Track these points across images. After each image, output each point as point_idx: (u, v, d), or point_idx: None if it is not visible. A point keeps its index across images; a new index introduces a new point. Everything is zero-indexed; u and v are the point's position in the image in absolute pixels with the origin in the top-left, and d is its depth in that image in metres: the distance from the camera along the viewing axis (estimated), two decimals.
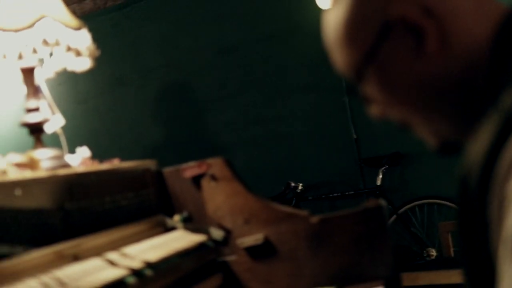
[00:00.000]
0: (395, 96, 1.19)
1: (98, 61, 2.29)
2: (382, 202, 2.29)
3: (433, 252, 5.60)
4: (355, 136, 6.04)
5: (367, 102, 1.27)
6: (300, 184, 6.06)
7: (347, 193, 5.92)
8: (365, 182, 6.02)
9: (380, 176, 5.87)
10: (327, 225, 2.31)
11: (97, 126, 6.74)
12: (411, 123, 1.23)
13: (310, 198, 6.06)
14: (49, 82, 6.31)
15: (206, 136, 6.46)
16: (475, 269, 1.03)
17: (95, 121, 6.76)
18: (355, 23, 1.18)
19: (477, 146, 1.00)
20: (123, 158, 2.59)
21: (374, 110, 1.26)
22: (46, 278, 1.61)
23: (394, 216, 5.81)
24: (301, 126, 6.20)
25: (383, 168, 5.86)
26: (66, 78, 6.69)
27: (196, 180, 2.45)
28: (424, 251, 5.63)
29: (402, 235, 5.81)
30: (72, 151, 2.42)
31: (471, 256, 1.03)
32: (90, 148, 2.77)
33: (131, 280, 1.83)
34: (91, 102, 6.81)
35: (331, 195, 5.98)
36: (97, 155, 2.47)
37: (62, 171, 2.03)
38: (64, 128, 6.61)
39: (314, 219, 2.32)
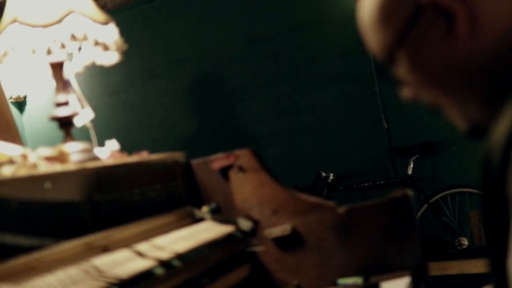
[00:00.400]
0: (426, 79, 1.20)
1: (129, 53, 2.32)
2: (409, 191, 2.29)
3: (465, 242, 5.58)
4: (386, 126, 6.02)
5: (398, 84, 1.28)
6: (331, 174, 6.06)
7: (378, 182, 5.91)
8: (396, 172, 6.01)
9: (411, 166, 5.85)
10: (354, 216, 2.32)
11: (129, 118, 6.79)
12: (441, 106, 1.25)
13: (341, 188, 6.06)
14: (81, 75, 6.38)
15: (237, 127, 6.48)
16: (497, 248, 1.04)
17: (127, 113, 6.82)
18: (388, 6, 1.20)
19: (500, 128, 1.01)
20: (155, 149, 2.62)
21: (406, 93, 1.28)
22: (77, 268, 1.64)
23: (426, 206, 5.79)
24: (332, 116, 6.20)
25: (414, 158, 5.84)
26: (98, 71, 6.75)
27: (224, 172, 2.47)
28: (456, 241, 5.61)
29: (434, 224, 5.79)
30: (103, 143, 2.46)
31: (493, 236, 1.05)
32: (122, 140, 2.81)
33: (160, 271, 1.86)
34: (123, 95, 6.86)
35: (362, 185, 5.98)
36: (129, 147, 2.50)
37: (91, 164, 2.06)
38: (96, 120, 6.67)
39: (341, 209, 2.33)
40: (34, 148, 2.08)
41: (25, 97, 6.76)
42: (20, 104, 6.91)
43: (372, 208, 2.30)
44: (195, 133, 6.52)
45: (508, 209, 0.98)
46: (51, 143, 2.39)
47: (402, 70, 1.23)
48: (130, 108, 6.82)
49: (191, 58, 6.65)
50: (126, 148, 2.47)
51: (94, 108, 6.60)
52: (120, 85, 6.86)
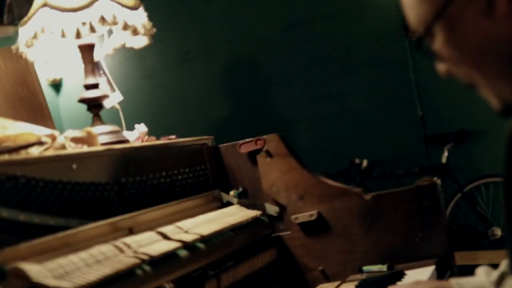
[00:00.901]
0: (461, 55, 1.21)
1: (165, 37, 2.34)
2: (436, 179, 2.28)
3: (498, 232, 5.52)
4: (420, 113, 5.98)
5: (434, 59, 1.28)
6: (365, 161, 6.04)
7: (411, 170, 5.87)
8: (431, 160, 5.96)
9: (446, 154, 5.80)
10: (380, 202, 2.31)
11: (163, 101, 6.82)
12: (475, 83, 1.25)
13: (375, 175, 6.04)
14: (116, 58, 6.42)
15: (271, 112, 6.48)
16: None
17: (162, 96, 6.84)
18: None
19: None
20: (189, 133, 2.63)
21: (440, 68, 1.28)
22: (106, 245, 1.67)
23: (459, 195, 5.74)
24: (367, 103, 6.16)
25: (448, 146, 5.79)
26: (134, 54, 6.78)
27: (252, 156, 2.48)
28: (489, 231, 5.56)
29: (467, 214, 5.74)
30: (153, 133, 2.47)
31: None
32: (156, 124, 2.83)
33: (184, 253, 1.88)
34: (158, 78, 6.89)
35: (395, 173, 5.94)
36: (163, 131, 2.52)
37: (118, 146, 2.08)
38: (131, 104, 6.70)
39: (368, 196, 2.33)
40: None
41: (61, 79, 6.82)
42: (57, 86, 6.98)
43: (398, 195, 2.29)
44: (229, 117, 6.54)
45: None
46: (86, 125, 2.41)
47: (438, 44, 1.23)
48: (164, 91, 6.84)
49: (226, 42, 6.65)
50: (160, 131, 2.49)
51: (129, 91, 6.66)
52: (155, 68, 6.89)
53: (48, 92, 6.68)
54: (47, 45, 2.28)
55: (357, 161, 6.04)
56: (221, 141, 2.54)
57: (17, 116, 2.44)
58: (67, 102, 7.65)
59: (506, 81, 1.18)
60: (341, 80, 6.23)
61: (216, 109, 6.64)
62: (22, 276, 1.39)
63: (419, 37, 1.25)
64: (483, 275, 1.74)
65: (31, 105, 2.64)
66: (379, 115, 6.11)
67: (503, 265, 1.70)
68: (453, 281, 1.75)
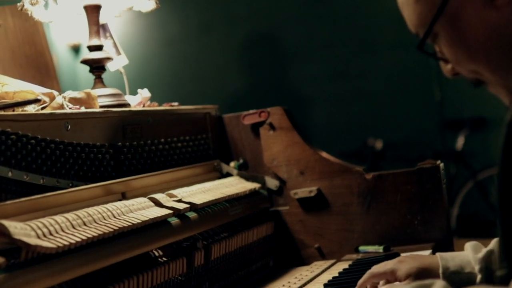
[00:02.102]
0: (467, 51, 1.19)
1: (187, 5, 2.30)
2: (439, 163, 2.24)
3: None
4: (439, 98, 5.92)
5: (439, 60, 1.27)
6: (379, 142, 6.00)
7: (425, 155, 5.82)
8: (446, 145, 5.91)
9: (462, 140, 5.74)
10: (381, 183, 2.28)
11: (182, 71, 6.80)
12: (483, 80, 1.23)
13: (388, 157, 5.99)
14: (137, 23, 6.38)
15: (288, 88, 6.44)
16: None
17: (181, 65, 6.82)
18: None
19: None
20: (205, 104, 2.59)
21: (446, 70, 1.28)
22: (92, 209, 1.64)
23: (472, 183, 5.68)
24: (385, 84, 6.11)
25: (465, 132, 5.73)
26: (155, 21, 6.75)
27: (255, 128, 2.45)
28: None
29: (478, 203, 5.69)
30: (155, 96, 2.44)
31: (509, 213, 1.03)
32: (174, 92, 2.80)
33: (175, 221, 1.86)
34: (178, 46, 6.86)
35: (409, 156, 5.89)
36: (179, 100, 2.48)
37: (117, 109, 2.06)
38: (149, 70, 6.69)
39: (368, 175, 2.30)
40: None
41: (80, 44, 6.82)
42: (76, 50, 6.98)
43: (400, 177, 2.26)
44: (246, 90, 6.51)
45: None
46: None
47: (442, 44, 1.22)
48: (183, 60, 6.82)
49: (248, 15, 6.60)
50: (177, 100, 2.45)
51: (149, 58, 6.64)
52: (175, 36, 6.86)
53: (67, 56, 6.69)
54: (57, 6, 2.25)
55: (371, 141, 6.00)
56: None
57: (22, 74, 2.42)
58: (85, 66, 7.64)
59: None
60: (360, 60, 6.18)
61: (233, 81, 6.62)
62: (3, 232, 1.37)
63: (421, 39, 1.23)
64: (471, 250, 1.71)
65: (38, 65, 2.62)
66: (397, 97, 6.06)
67: (493, 243, 1.67)
68: (438, 256, 1.73)
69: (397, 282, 1.73)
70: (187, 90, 6.62)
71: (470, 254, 1.70)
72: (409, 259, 1.77)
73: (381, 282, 1.77)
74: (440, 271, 1.70)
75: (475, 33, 1.16)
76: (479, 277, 1.66)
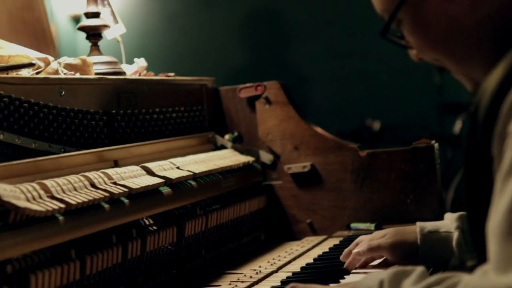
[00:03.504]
0: (428, 40, 1.21)
1: None
2: (433, 142, 2.23)
3: None
4: (438, 80, 5.90)
5: (403, 47, 1.30)
6: (377, 122, 5.98)
7: (423, 137, 5.81)
8: (444, 128, 5.90)
9: (459, 124, 5.73)
10: (375, 160, 2.28)
11: (182, 46, 6.76)
12: (446, 67, 1.23)
13: (385, 138, 5.98)
14: None
15: (288, 65, 6.42)
16: (476, 203, 1.04)
17: (181, 40, 6.79)
18: None
19: (488, 84, 1.01)
20: None
21: (411, 53, 1.29)
22: (81, 175, 1.64)
23: None
24: (385, 64, 6.09)
25: (463, 116, 5.72)
26: None
27: (251, 102, 2.44)
28: None
29: None
30: (155, 69, 2.43)
31: (473, 190, 1.04)
32: (174, 67, 2.78)
33: (166, 190, 1.85)
34: (179, 21, 6.82)
35: (406, 138, 5.88)
36: (178, 73, 2.47)
37: (112, 77, 2.05)
38: (150, 45, 6.65)
39: (363, 152, 2.29)
40: None
41: (80, 16, 6.79)
42: (77, 21, 6.95)
43: (394, 155, 2.25)
44: (246, 66, 6.48)
45: (492, 168, 0.97)
46: None
47: (405, 31, 1.24)
48: (184, 35, 6.78)
49: None
50: (176, 74, 2.44)
51: (148, 30, 6.60)
52: (177, 11, 6.82)
53: (68, 26, 6.66)
54: None
55: (369, 122, 5.99)
56: None
57: (19, 40, 2.40)
58: (84, 37, 7.63)
59: (475, 64, 1.18)
60: (361, 39, 6.15)
61: (234, 57, 6.59)
62: None
63: (385, 26, 1.25)
64: (450, 219, 1.76)
65: (35, 31, 2.60)
66: (396, 79, 6.04)
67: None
68: (417, 223, 1.77)
69: (376, 262, 1.77)
70: (186, 64, 6.59)
71: (447, 217, 1.75)
72: (390, 231, 1.83)
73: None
74: (418, 230, 1.77)
75: (436, 24, 1.17)
76: (456, 234, 1.70)
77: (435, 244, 1.73)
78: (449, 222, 1.75)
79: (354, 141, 2.40)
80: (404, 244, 1.77)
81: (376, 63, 6.10)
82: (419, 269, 1.22)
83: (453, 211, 4.99)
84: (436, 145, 2.22)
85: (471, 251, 1.43)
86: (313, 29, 6.31)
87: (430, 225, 1.78)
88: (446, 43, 1.18)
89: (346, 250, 1.86)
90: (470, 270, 1.13)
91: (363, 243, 1.82)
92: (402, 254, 1.77)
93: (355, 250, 1.81)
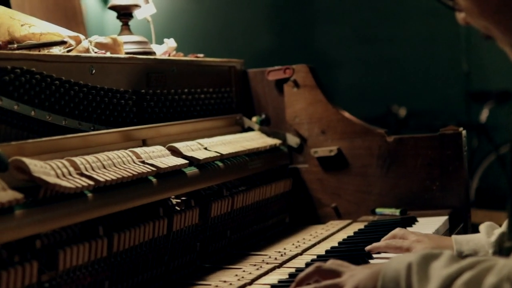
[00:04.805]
0: (480, 9, 1.20)
1: None
2: (461, 129, 2.22)
3: None
4: (466, 68, 5.86)
5: (453, 10, 1.28)
6: (403, 109, 5.96)
7: (449, 125, 5.77)
8: (470, 116, 5.86)
9: (486, 113, 5.69)
10: (402, 146, 2.27)
11: (211, 27, 6.76)
12: (493, 36, 1.22)
13: (411, 125, 5.96)
14: None
15: (316, 49, 6.40)
16: None
17: (208, 21, 6.78)
18: None
19: None
20: None
21: (459, 16, 1.27)
22: (110, 153, 1.65)
23: (494, 156, 5.64)
24: (412, 51, 6.05)
25: (490, 105, 5.68)
26: None
27: (279, 84, 2.44)
28: None
29: (499, 176, 5.65)
30: (184, 50, 2.43)
31: None
32: (200, 48, 2.78)
33: (193, 170, 1.86)
34: (208, 3, 6.82)
35: (432, 125, 5.85)
36: (206, 54, 2.47)
37: (142, 56, 2.06)
38: (177, 25, 6.64)
39: (390, 138, 2.29)
40: None
41: None
42: (105, 1, 6.96)
43: (421, 141, 2.25)
44: (273, 49, 6.47)
45: None
46: None
47: None
48: (213, 17, 6.78)
49: None
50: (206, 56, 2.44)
51: (178, 10, 6.58)
52: None
53: (96, 6, 6.68)
54: None
55: (395, 108, 5.97)
56: None
57: (51, 18, 2.42)
58: (113, 17, 7.65)
59: None
60: (389, 26, 6.12)
61: (261, 39, 6.58)
62: (23, 169, 1.38)
63: None
64: (484, 233, 1.71)
65: (65, 9, 2.62)
66: (423, 65, 6.01)
67: (506, 223, 1.67)
68: (453, 239, 1.73)
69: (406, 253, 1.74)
70: (214, 45, 6.59)
71: (483, 238, 1.70)
72: (426, 239, 1.78)
73: None
74: (455, 251, 1.71)
75: None
76: None
77: None
78: (486, 245, 1.70)
79: (379, 127, 2.40)
80: None
81: (404, 49, 6.07)
82: (448, 252, 1.22)
83: (477, 200, 4.97)
84: (463, 132, 2.21)
85: (509, 232, 1.40)
86: (341, 13, 6.29)
87: (467, 248, 1.72)
88: (498, 12, 1.17)
89: (383, 238, 1.86)
90: (508, 251, 1.13)
91: (402, 241, 1.80)
92: None
93: (390, 241, 1.80)
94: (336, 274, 1.42)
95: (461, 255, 1.69)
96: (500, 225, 1.72)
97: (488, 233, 1.71)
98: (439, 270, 1.18)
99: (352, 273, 1.39)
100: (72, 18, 2.63)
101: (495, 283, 1.08)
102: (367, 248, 1.83)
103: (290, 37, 6.49)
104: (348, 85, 6.25)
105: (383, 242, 1.83)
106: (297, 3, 6.49)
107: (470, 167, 5.63)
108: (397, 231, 1.86)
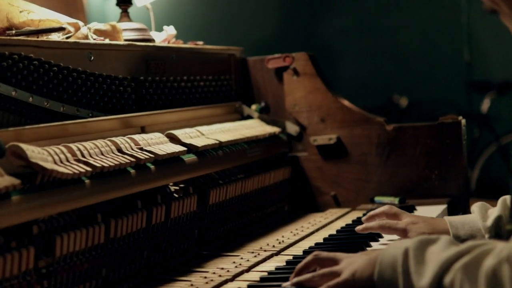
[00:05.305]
0: None
1: None
2: (461, 118, 2.22)
3: None
4: (468, 58, 5.85)
5: None
6: (404, 99, 5.95)
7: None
8: (471, 107, 5.85)
9: (487, 103, 5.69)
10: (401, 135, 2.27)
11: (211, 14, 6.74)
12: (499, 10, 1.21)
13: (412, 115, 5.95)
14: None
15: (317, 38, 6.38)
16: None
17: (211, 9, 6.76)
18: None
19: None
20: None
21: None
22: (108, 140, 1.65)
23: (495, 146, 5.64)
24: (414, 41, 6.05)
25: (491, 95, 5.67)
26: None
27: (279, 73, 2.44)
28: None
29: (500, 166, 5.65)
30: (184, 37, 2.43)
31: None
32: (202, 37, 2.78)
33: (192, 157, 1.86)
34: None
35: (433, 115, 5.84)
36: (207, 42, 2.47)
37: (141, 43, 2.05)
38: (178, 14, 6.61)
39: (389, 126, 2.29)
40: None
41: None
42: None
43: (420, 130, 2.25)
44: (276, 37, 6.45)
45: None
46: None
47: None
48: (214, 4, 6.76)
49: None
50: (205, 42, 2.44)
51: (179, 1, 6.56)
52: None
53: None
54: None
55: (396, 98, 5.96)
56: None
57: (50, 5, 2.41)
58: (114, 4, 7.63)
59: None
60: (391, 16, 6.11)
61: (263, 28, 6.56)
62: (21, 155, 1.38)
63: None
64: (478, 215, 1.70)
65: None
66: (425, 55, 6.00)
67: (500, 204, 1.67)
68: (448, 222, 1.72)
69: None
70: (215, 33, 6.57)
71: (479, 221, 1.69)
72: (422, 222, 1.76)
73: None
74: (451, 235, 1.70)
75: None
76: None
77: None
78: (483, 229, 1.68)
79: (380, 116, 2.39)
80: None
81: (406, 39, 6.06)
82: (445, 237, 1.22)
83: (478, 190, 4.96)
84: (463, 121, 2.21)
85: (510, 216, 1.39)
86: (343, 2, 6.27)
87: (463, 233, 1.70)
88: None
89: (371, 213, 1.85)
90: (508, 234, 1.13)
91: (396, 222, 1.78)
92: None
93: (384, 222, 1.78)
94: (334, 262, 1.42)
95: (458, 240, 1.68)
96: (493, 206, 1.72)
97: (483, 216, 1.70)
98: (436, 254, 1.18)
99: (350, 260, 1.39)
100: (72, 5, 2.63)
101: (494, 265, 1.08)
102: (358, 228, 1.82)
103: (292, 26, 6.48)
104: (350, 75, 6.24)
105: (375, 222, 1.81)
106: None
107: (471, 157, 5.65)
108: (388, 208, 1.84)
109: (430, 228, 1.73)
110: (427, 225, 1.75)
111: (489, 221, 1.67)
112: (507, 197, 1.69)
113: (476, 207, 1.74)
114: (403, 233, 1.75)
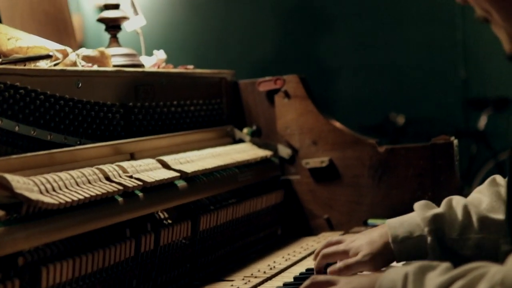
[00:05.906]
0: None
1: None
2: (453, 139, 2.21)
3: None
4: (464, 75, 5.85)
5: None
6: (401, 117, 5.95)
7: (447, 132, 5.76)
8: (468, 124, 5.85)
9: (484, 120, 5.69)
10: (393, 156, 2.26)
11: (205, 37, 6.76)
12: (490, 20, 1.20)
13: (409, 133, 5.95)
14: None
15: (314, 58, 6.40)
16: None
17: (204, 32, 6.79)
18: None
19: None
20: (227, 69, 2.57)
21: None
22: (96, 168, 1.63)
23: (493, 163, 5.63)
24: (410, 58, 6.06)
25: (488, 112, 5.67)
26: None
27: (270, 95, 2.43)
28: None
29: None
30: (177, 61, 2.43)
31: None
32: (198, 59, 2.78)
33: (182, 183, 1.85)
34: (203, 13, 6.82)
35: (431, 133, 5.83)
36: (202, 66, 2.47)
37: (129, 69, 2.05)
38: (173, 37, 6.63)
39: (381, 148, 2.27)
40: None
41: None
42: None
43: (412, 151, 2.24)
44: (272, 58, 6.46)
45: None
46: None
47: None
48: (207, 27, 6.78)
49: None
50: (199, 66, 2.43)
51: (171, 25, 6.59)
52: (200, 3, 6.82)
53: (94, 16, 6.70)
54: None
55: (393, 116, 5.96)
56: None
57: (41, 31, 2.41)
58: None
59: None
60: (387, 32, 6.13)
61: (260, 49, 6.58)
62: (6, 186, 1.36)
63: None
64: (419, 210, 1.70)
65: (56, 22, 2.61)
66: (421, 73, 6.01)
67: (444, 204, 1.67)
68: (387, 223, 1.70)
69: (394, 263, 1.71)
70: (209, 56, 6.59)
71: (418, 216, 1.69)
72: (361, 236, 1.73)
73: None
74: (390, 240, 1.67)
75: None
76: (429, 239, 1.64)
77: (411, 250, 1.66)
78: (421, 222, 1.67)
79: (377, 135, 2.39)
80: (381, 256, 1.67)
81: (402, 56, 6.07)
82: (445, 264, 1.21)
83: None
84: (455, 141, 2.20)
85: (507, 236, 1.38)
86: (338, 21, 6.29)
87: (401, 231, 1.68)
88: None
89: (316, 251, 1.78)
90: (505, 255, 1.12)
91: (337, 246, 1.76)
92: (383, 264, 1.70)
93: (330, 269, 1.69)
94: (331, 283, 1.41)
95: (397, 239, 1.66)
96: (438, 206, 1.71)
97: (422, 209, 1.70)
98: (433, 280, 1.18)
99: (348, 282, 1.38)
100: (64, 30, 2.62)
101: None
102: (315, 268, 1.76)
103: (287, 46, 6.49)
104: (346, 93, 6.25)
105: (318, 256, 1.75)
106: (295, 12, 6.49)
107: (469, 174, 5.63)
108: (329, 239, 1.79)
109: (368, 237, 1.70)
110: (365, 236, 1.72)
111: (428, 214, 1.66)
112: (453, 197, 1.71)
113: (418, 204, 1.73)
114: (345, 254, 1.71)
